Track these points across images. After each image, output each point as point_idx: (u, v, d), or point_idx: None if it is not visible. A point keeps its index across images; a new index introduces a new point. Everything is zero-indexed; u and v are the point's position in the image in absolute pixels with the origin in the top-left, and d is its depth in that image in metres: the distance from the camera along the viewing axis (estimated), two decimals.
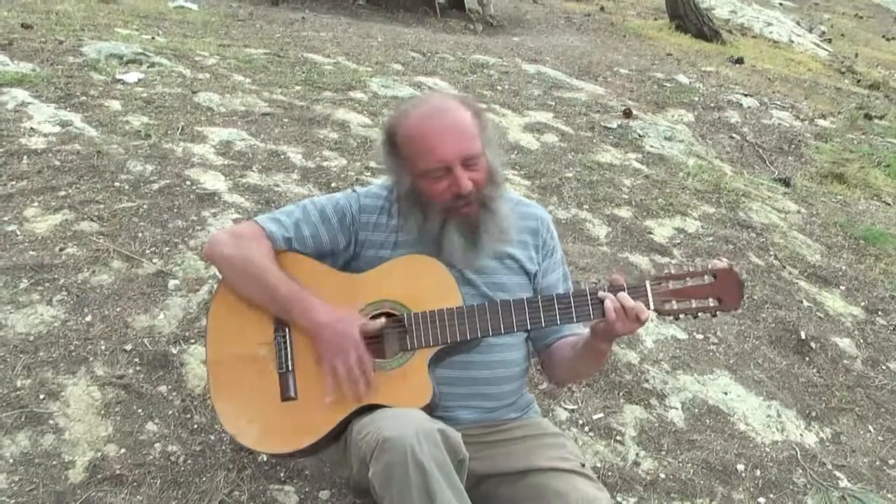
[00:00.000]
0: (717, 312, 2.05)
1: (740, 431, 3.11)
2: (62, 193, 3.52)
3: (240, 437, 2.07)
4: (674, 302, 2.03)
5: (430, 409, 1.98)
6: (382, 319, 2.03)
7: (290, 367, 2.05)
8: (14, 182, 3.55)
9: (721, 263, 2.06)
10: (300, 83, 5.71)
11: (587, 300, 2.02)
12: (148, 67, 5.38)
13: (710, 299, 2.03)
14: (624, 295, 1.98)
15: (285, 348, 2.06)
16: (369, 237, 2.17)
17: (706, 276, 2.04)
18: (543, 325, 2.05)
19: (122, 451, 2.44)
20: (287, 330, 2.07)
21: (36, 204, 3.42)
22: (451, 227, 2.06)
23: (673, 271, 2.06)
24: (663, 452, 2.91)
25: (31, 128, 4.08)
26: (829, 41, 14.28)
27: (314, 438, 2.01)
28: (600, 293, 2.00)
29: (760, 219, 4.96)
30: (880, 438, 3.32)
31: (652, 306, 2.01)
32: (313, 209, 2.18)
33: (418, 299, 2.06)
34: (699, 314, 2.04)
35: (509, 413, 2.19)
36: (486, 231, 2.08)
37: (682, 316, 2.05)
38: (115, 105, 4.60)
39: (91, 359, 2.72)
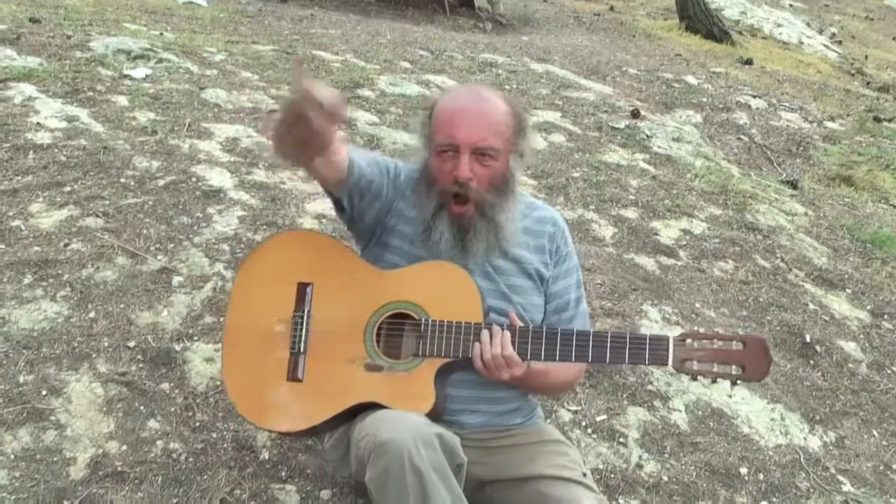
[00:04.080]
0: (738, 381, 1.98)
1: (744, 434, 3.09)
2: (67, 189, 3.53)
3: (239, 406, 2.09)
4: (695, 362, 1.97)
5: (436, 416, 1.97)
6: None
7: (302, 349, 2.05)
8: (20, 177, 3.56)
9: (754, 335, 2.01)
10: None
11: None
12: (156, 63, 5.37)
13: (734, 366, 1.97)
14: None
15: (301, 329, 2.06)
16: (398, 226, 2.14)
17: (735, 343, 1.98)
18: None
19: (124, 448, 2.44)
20: (306, 311, 2.07)
21: (41, 199, 3.43)
22: (443, 216, 2.05)
23: (702, 330, 2.02)
24: (666, 455, 2.90)
25: (38, 122, 4.09)
26: (839, 43, 14.19)
27: (310, 424, 2.03)
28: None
29: (767, 221, 4.94)
30: (884, 443, 3.30)
31: (671, 363, 1.97)
32: (369, 152, 2.20)
33: (439, 306, 2.05)
34: (718, 380, 1.98)
35: (514, 418, 2.18)
36: (477, 237, 2.06)
37: (699, 378, 1.99)
38: (122, 101, 4.61)
39: (94, 355, 2.72)
